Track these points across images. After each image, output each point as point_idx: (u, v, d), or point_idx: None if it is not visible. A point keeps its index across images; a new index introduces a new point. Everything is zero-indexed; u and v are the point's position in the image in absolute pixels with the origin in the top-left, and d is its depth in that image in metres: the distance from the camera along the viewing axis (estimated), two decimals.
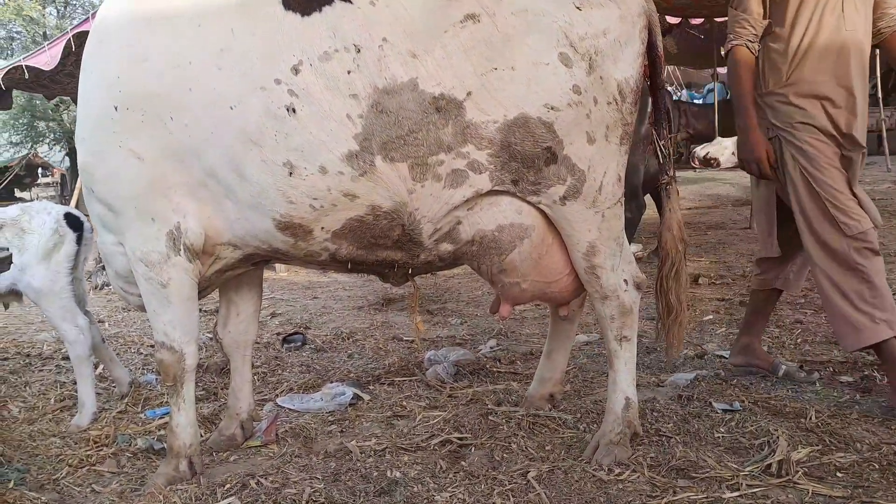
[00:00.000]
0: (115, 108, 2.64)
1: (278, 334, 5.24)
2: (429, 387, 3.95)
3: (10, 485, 2.84)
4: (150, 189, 2.70)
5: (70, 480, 2.97)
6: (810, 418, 3.22)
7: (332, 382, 4.04)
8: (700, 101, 22.92)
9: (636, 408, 3.07)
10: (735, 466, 2.85)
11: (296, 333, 5.12)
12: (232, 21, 2.59)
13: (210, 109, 2.57)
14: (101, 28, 2.79)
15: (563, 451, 3.06)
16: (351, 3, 2.54)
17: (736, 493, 2.65)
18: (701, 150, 16.82)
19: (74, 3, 28.10)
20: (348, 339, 5.09)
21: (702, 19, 14.16)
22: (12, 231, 3.55)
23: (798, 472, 2.75)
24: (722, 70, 22.18)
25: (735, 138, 16.08)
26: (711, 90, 22.11)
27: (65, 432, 3.48)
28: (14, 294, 3.66)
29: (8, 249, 3.17)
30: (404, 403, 3.70)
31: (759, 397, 3.55)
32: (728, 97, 21.40)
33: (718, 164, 16.15)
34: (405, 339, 5.02)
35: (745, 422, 3.26)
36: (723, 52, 3.49)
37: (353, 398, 3.77)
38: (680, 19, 13.19)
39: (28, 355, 4.87)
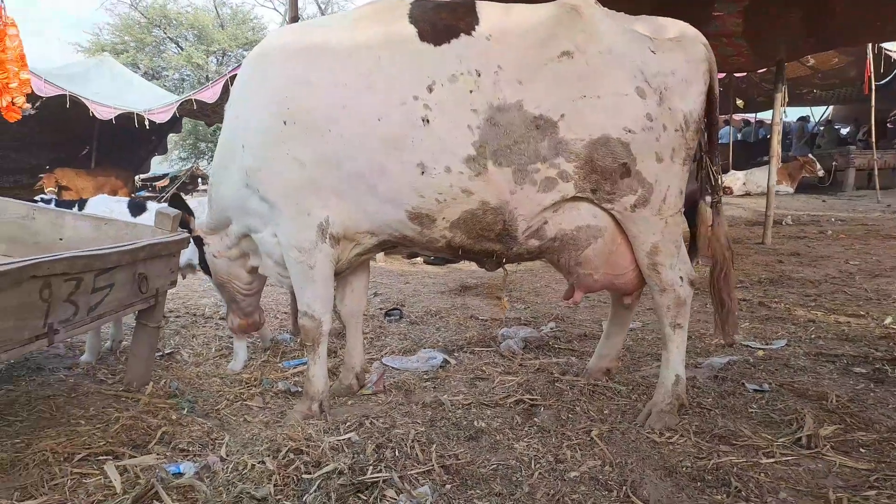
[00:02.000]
0: (284, 123, 2.61)
1: (381, 309, 5.19)
2: (503, 357, 3.81)
3: (185, 412, 2.87)
4: (307, 189, 2.66)
5: (227, 411, 2.98)
6: (831, 401, 2.98)
7: (425, 349, 3.96)
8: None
9: (684, 383, 2.88)
10: (769, 437, 2.65)
11: (395, 309, 5.05)
12: (379, 50, 2.57)
13: (360, 122, 2.55)
14: (267, 58, 2.75)
15: (619, 415, 2.89)
16: (472, 36, 2.53)
17: (772, 460, 2.46)
18: None
19: (230, 54, 29.02)
20: (435, 315, 4.99)
21: (723, 74, 13.66)
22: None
23: (826, 445, 2.54)
24: (737, 116, 21.42)
25: (745, 171, 15.43)
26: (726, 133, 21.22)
27: (223, 374, 3.49)
28: (190, 267, 3.71)
29: (186, 232, 3.21)
30: (483, 368, 3.58)
31: (784, 381, 3.30)
32: (740, 138, 20.63)
33: (732, 192, 15.51)
34: (480, 318, 4.90)
35: (774, 401, 3.04)
36: None
37: (442, 362, 3.68)
38: None
39: (194, 315, 4.94)
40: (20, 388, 3.16)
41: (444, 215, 2.64)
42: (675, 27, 2.75)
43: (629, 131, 2.54)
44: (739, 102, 16.90)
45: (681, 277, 2.78)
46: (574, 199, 2.64)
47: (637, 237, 2.70)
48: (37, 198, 3.77)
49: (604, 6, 2.69)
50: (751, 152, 18.03)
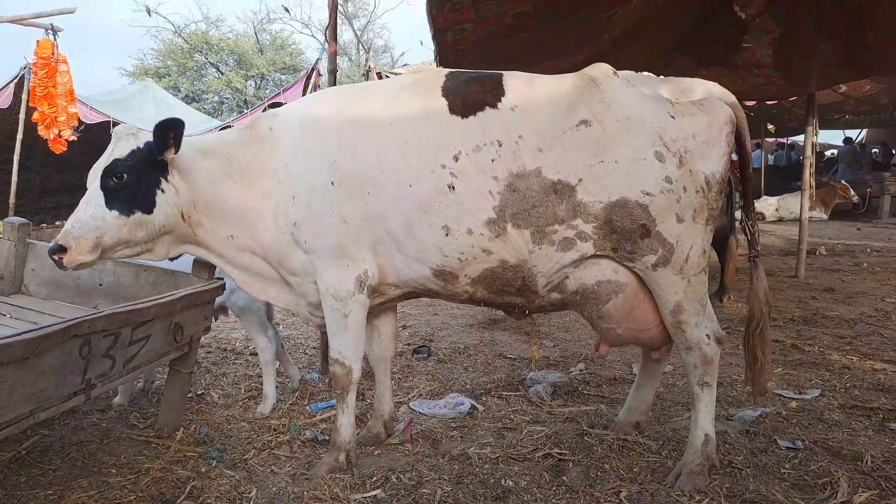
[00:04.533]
0: (332, 184, 2.72)
1: (408, 345, 5.16)
2: (531, 403, 3.76)
3: (213, 464, 2.87)
4: (349, 244, 2.75)
5: (256, 461, 2.97)
6: (866, 462, 2.88)
7: (453, 392, 3.92)
8: None
9: (714, 443, 2.81)
10: None
11: (423, 346, 5.02)
12: (413, 121, 2.70)
13: (396, 186, 2.67)
14: (319, 121, 2.81)
15: (649, 473, 2.83)
16: (497, 109, 2.67)
17: None
18: None
19: (268, 77, 29.70)
20: (463, 353, 4.94)
21: (753, 102, 13.48)
22: None
23: None
24: (770, 140, 21.04)
25: (778, 197, 15.09)
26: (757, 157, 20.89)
27: (251, 418, 3.49)
28: (222, 310, 3.74)
29: (223, 279, 3.25)
30: (511, 417, 3.54)
31: (819, 437, 3.20)
32: (772, 162, 20.22)
33: (763, 218, 15.20)
34: (508, 356, 4.84)
35: (807, 461, 2.94)
36: None
37: (470, 408, 3.65)
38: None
39: (224, 350, 4.95)
40: (55, 432, 3.21)
41: (465, 272, 2.74)
42: (702, 88, 2.77)
43: (647, 194, 2.59)
44: (771, 127, 16.64)
45: (707, 336, 2.76)
46: (595, 256, 2.68)
47: (660, 295, 2.72)
48: None
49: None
50: (783, 177, 17.67)
